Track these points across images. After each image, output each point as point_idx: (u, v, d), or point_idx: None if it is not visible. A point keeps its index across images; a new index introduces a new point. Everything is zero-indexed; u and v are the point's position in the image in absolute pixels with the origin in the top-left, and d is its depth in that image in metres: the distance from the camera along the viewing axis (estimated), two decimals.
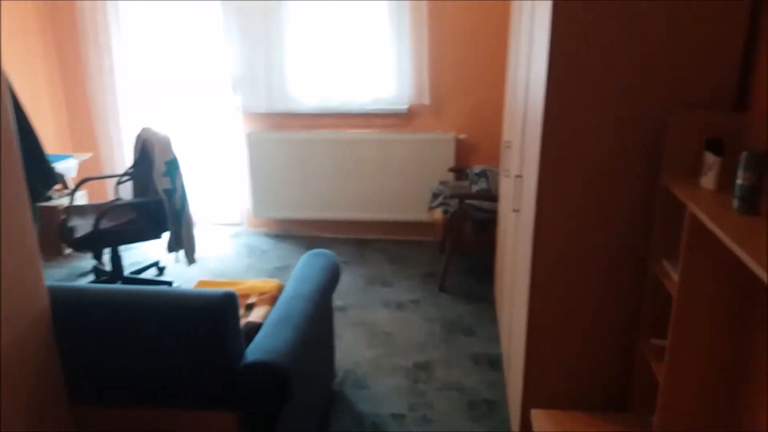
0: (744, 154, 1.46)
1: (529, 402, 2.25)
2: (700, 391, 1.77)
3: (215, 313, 1.81)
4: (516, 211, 2.50)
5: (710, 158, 1.69)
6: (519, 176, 2.43)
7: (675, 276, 1.80)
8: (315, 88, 4.50)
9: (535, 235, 2.04)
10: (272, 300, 2.48)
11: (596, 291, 2.07)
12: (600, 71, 1.84)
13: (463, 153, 4.46)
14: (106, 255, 4.00)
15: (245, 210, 4.97)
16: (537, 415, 2.17)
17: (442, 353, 3.23)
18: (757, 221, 1.45)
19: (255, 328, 2.24)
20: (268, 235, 4.92)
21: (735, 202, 1.51)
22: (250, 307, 2.45)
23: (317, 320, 2.36)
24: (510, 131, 2.96)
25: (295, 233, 4.92)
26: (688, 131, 1.80)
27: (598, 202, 1.97)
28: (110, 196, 4.90)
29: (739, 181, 1.48)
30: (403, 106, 4.42)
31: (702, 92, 1.83)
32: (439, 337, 3.38)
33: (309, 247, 4.62)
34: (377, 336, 3.40)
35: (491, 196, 3.72)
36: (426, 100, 4.37)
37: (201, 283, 2.70)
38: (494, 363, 3.13)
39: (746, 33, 1.79)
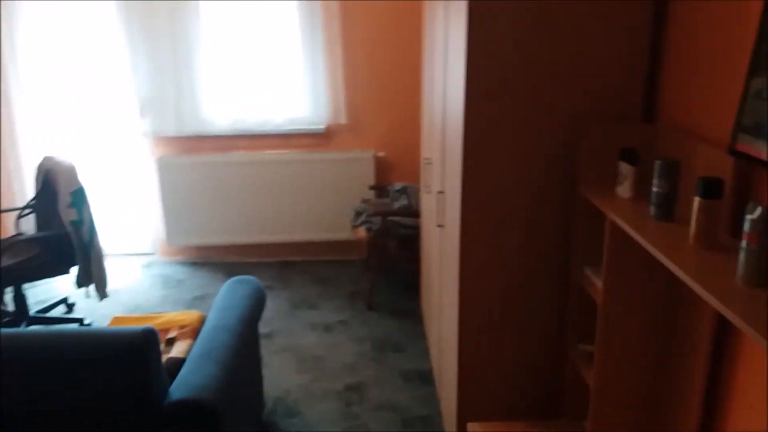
0: (658, 162, 1.53)
1: (464, 416, 2.25)
2: (630, 395, 1.83)
3: (135, 352, 1.70)
4: (440, 226, 2.51)
5: (625, 168, 1.76)
6: (441, 192, 2.45)
7: (598, 283, 1.86)
8: (228, 109, 4.39)
9: (461, 249, 2.05)
10: (194, 333, 2.37)
11: (524, 301, 2.11)
12: (515, 87, 1.89)
13: (383, 170, 4.48)
14: (9, 294, 3.71)
15: (158, 238, 4.76)
16: (473, 429, 2.17)
17: (374, 373, 3.20)
18: (673, 227, 1.51)
19: (177, 363, 2.12)
20: (183, 263, 4.73)
21: (652, 209, 1.57)
22: (170, 342, 2.33)
23: (243, 351, 2.27)
24: (429, 148, 2.98)
25: (212, 260, 4.75)
26: (602, 143, 1.87)
27: (521, 214, 2.01)
28: (10, 231, 4.55)
29: (654, 189, 1.55)
30: (320, 126, 4.39)
31: (613, 105, 1.91)
32: (369, 357, 3.35)
33: (228, 273, 4.48)
34: (306, 360, 3.32)
35: (413, 212, 3.74)
36: (343, 119, 4.35)
37: (116, 320, 2.54)
38: (425, 378, 3.13)
39: (650, 50, 1.89)
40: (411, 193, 3.93)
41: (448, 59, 2.26)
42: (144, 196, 4.66)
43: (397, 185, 4.09)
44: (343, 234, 4.46)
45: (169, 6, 4.12)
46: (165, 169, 4.43)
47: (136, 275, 4.52)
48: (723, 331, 1.52)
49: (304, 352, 3.41)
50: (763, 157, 1.27)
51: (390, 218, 3.75)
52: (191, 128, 4.39)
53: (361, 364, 3.28)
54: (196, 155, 4.45)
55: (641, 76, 1.89)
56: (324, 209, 4.48)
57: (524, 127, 1.93)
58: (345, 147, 4.47)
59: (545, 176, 1.98)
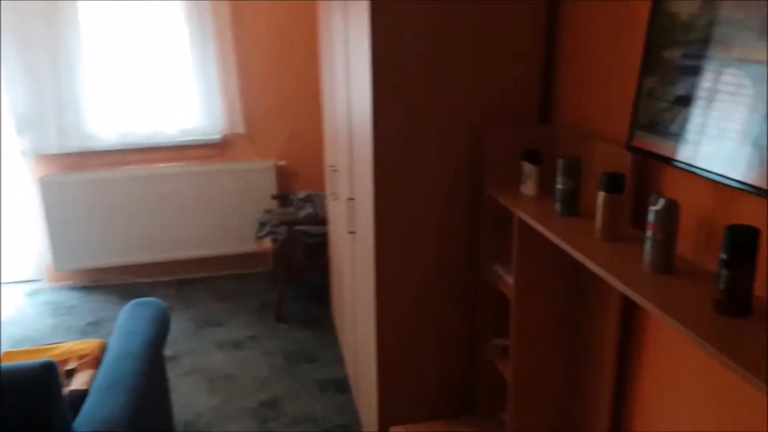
0: (560, 161, 1.60)
1: (386, 420, 2.25)
2: (547, 384, 1.90)
3: (35, 388, 1.56)
4: (352, 233, 2.50)
5: (528, 168, 1.84)
6: (352, 199, 2.44)
7: (508, 278, 1.92)
8: (115, 122, 4.15)
9: (376, 254, 2.05)
10: (95, 362, 2.22)
11: (439, 301, 2.14)
12: (420, 94, 1.92)
13: (285, 179, 4.41)
14: None
15: (44, 263, 4.42)
16: None
17: (288, 386, 3.13)
18: (579, 221, 1.59)
19: (80, 396, 1.98)
20: (73, 288, 4.41)
21: (557, 206, 1.64)
22: (70, 374, 2.17)
23: (150, 377, 2.15)
24: (334, 155, 2.97)
25: (105, 283, 4.47)
26: (505, 145, 1.93)
27: (432, 217, 2.05)
28: None
29: (559, 187, 1.62)
30: (215, 136, 4.25)
31: (513, 108, 1.98)
32: (282, 370, 3.27)
33: (124, 295, 4.23)
34: (216, 381, 3.20)
35: (319, 220, 3.71)
36: (240, 129, 4.24)
37: (7, 355, 2.33)
38: (341, 386, 3.10)
39: (545, 53, 1.98)
40: (316, 201, 3.90)
41: (350, 64, 2.26)
42: (26, 218, 4.32)
43: (301, 194, 4.05)
44: (247, 246, 4.35)
45: (45, 13, 3.83)
46: (48, 189, 4.12)
47: (20, 305, 4.18)
48: (630, 316, 1.61)
49: (213, 371, 3.28)
50: (658, 151, 1.36)
51: (296, 227, 3.70)
52: (75, 144, 4.11)
53: (275, 378, 3.21)
54: (83, 172, 4.17)
55: (537, 79, 1.98)
56: (225, 222, 4.34)
57: (431, 131, 1.96)
58: (243, 157, 4.36)
59: (454, 179, 2.02)
